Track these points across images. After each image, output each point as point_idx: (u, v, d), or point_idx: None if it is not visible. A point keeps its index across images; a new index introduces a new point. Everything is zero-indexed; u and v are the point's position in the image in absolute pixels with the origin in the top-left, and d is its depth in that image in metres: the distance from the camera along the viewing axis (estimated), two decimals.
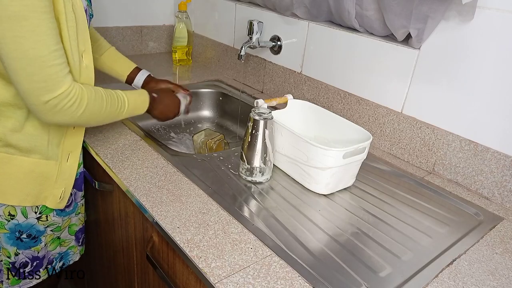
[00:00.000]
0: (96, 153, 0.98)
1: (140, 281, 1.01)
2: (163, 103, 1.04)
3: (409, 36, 1.03)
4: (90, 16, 0.91)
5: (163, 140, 1.32)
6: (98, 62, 1.12)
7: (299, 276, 0.66)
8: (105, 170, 0.95)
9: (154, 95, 1.02)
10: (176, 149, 1.05)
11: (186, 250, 0.69)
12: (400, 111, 1.09)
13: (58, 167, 0.92)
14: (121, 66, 1.16)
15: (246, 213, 0.81)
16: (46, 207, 0.93)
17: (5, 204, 0.88)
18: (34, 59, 0.71)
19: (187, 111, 1.13)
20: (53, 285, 1.17)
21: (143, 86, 1.16)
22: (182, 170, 0.94)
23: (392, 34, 1.06)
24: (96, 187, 1.03)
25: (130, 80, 1.17)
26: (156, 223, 0.76)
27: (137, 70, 1.17)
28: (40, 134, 0.87)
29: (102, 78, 1.12)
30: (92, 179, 1.03)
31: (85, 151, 1.03)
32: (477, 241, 0.81)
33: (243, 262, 0.68)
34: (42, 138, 0.87)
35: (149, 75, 1.18)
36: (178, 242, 0.71)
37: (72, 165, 0.95)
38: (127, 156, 0.98)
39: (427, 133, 1.03)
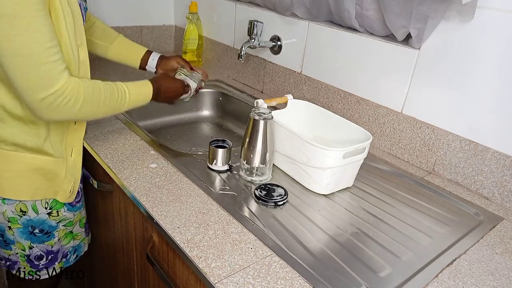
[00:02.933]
0: (96, 153, 0.98)
1: (140, 281, 1.01)
2: (166, 90, 1.04)
3: (409, 36, 1.03)
4: (84, 9, 0.92)
5: (163, 140, 1.32)
6: (109, 51, 1.13)
7: (299, 276, 0.66)
8: (105, 170, 0.95)
9: (157, 84, 1.00)
10: (176, 149, 1.05)
11: (186, 250, 0.69)
12: (400, 111, 1.09)
13: (65, 164, 0.94)
14: (133, 51, 1.17)
15: (246, 213, 0.81)
16: (56, 202, 0.95)
17: (16, 201, 0.90)
18: (27, 57, 0.71)
19: (198, 89, 1.16)
20: (53, 285, 1.18)
21: (157, 67, 1.18)
22: (182, 170, 0.94)
23: (392, 34, 1.06)
24: (96, 187, 1.03)
25: (143, 64, 1.17)
26: (156, 223, 0.76)
27: (148, 53, 1.17)
28: (43, 134, 0.88)
29: (104, 71, 1.12)
30: (89, 175, 1.05)
31: (85, 151, 1.03)
32: (477, 241, 0.81)
33: (243, 262, 0.68)
34: (46, 137, 0.89)
35: (161, 56, 1.18)
36: (178, 242, 0.71)
37: (77, 159, 0.97)
38: (127, 156, 0.98)
39: (427, 133, 1.03)
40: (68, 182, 0.95)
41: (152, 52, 1.18)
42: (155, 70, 1.18)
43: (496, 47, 0.88)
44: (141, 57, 1.16)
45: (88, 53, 0.91)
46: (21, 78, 0.73)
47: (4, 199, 0.89)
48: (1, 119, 0.84)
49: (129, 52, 1.16)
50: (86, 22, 1.05)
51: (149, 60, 1.17)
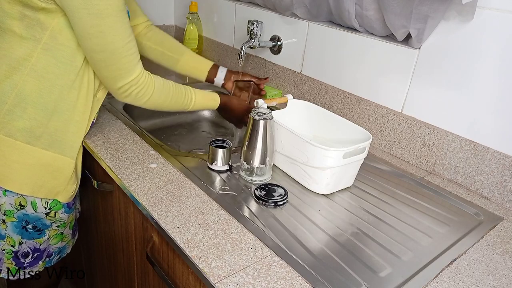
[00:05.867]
0: (96, 153, 0.98)
1: (140, 281, 1.01)
2: (231, 111, 1.12)
3: (409, 36, 1.02)
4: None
5: (163, 140, 1.32)
6: (179, 63, 1.20)
7: (299, 276, 0.66)
8: (105, 170, 0.95)
9: (224, 102, 1.09)
10: (176, 149, 1.05)
11: (186, 250, 0.69)
12: (400, 111, 1.09)
13: (75, 165, 0.95)
14: (202, 64, 1.23)
15: (246, 213, 0.81)
16: (56, 203, 0.96)
17: (17, 194, 0.90)
18: (112, 51, 0.82)
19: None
20: (53, 285, 1.18)
21: (225, 81, 1.24)
22: (182, 170, 0.94)
23: (392, 34, 1.06)
24: (96, 187, 1.03)
25: (211, 76, 1.22)
26: (156, 223, 0.76)
27: (215, 66, 1.23)
28: (63, 130, 0.90)
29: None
30: (89, 175, 1.05)
31: (85, 151, 1.03)
32: (477, 241, 0.81)
33: (243, 262, 0.68)
34: (65, 135, 0.91)
35: (228, 70, 1.24)
36: (178, 242, 0.71)
37: (79, 159, 0.99)
38: (127, 156, 0.98)
39: (427, 133, 1.03)
40: (72, 183, 0.96)
41: (219, 65, 1.24)
42: (223, 81, 1.24)
43: (496, 47, 0.88)
44: (208, 70, 1.22)
45: (152, 63, 1.05)
46: (105, 69, 0.85)
47: (5, 191, 0.89)
48: (24, 109, 0.86)
49: (198, 65, 1.23)
50: (157, 35, 1.19)
51: (218, 73, 1.22)
